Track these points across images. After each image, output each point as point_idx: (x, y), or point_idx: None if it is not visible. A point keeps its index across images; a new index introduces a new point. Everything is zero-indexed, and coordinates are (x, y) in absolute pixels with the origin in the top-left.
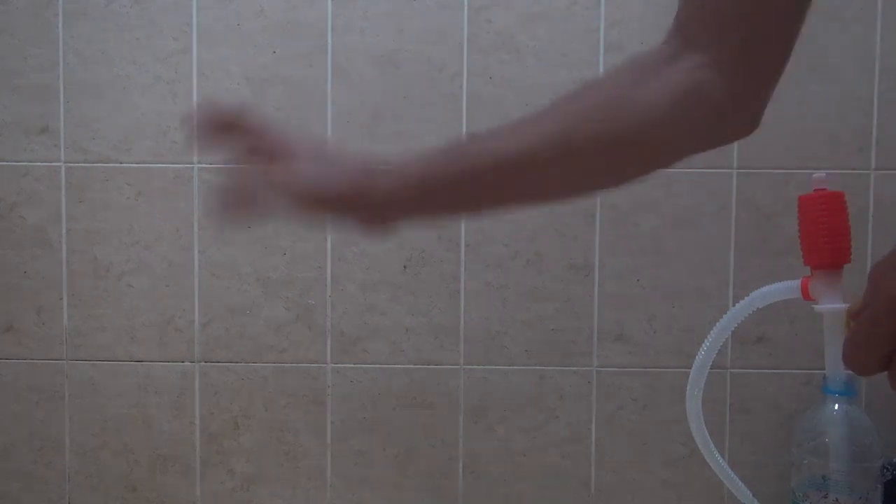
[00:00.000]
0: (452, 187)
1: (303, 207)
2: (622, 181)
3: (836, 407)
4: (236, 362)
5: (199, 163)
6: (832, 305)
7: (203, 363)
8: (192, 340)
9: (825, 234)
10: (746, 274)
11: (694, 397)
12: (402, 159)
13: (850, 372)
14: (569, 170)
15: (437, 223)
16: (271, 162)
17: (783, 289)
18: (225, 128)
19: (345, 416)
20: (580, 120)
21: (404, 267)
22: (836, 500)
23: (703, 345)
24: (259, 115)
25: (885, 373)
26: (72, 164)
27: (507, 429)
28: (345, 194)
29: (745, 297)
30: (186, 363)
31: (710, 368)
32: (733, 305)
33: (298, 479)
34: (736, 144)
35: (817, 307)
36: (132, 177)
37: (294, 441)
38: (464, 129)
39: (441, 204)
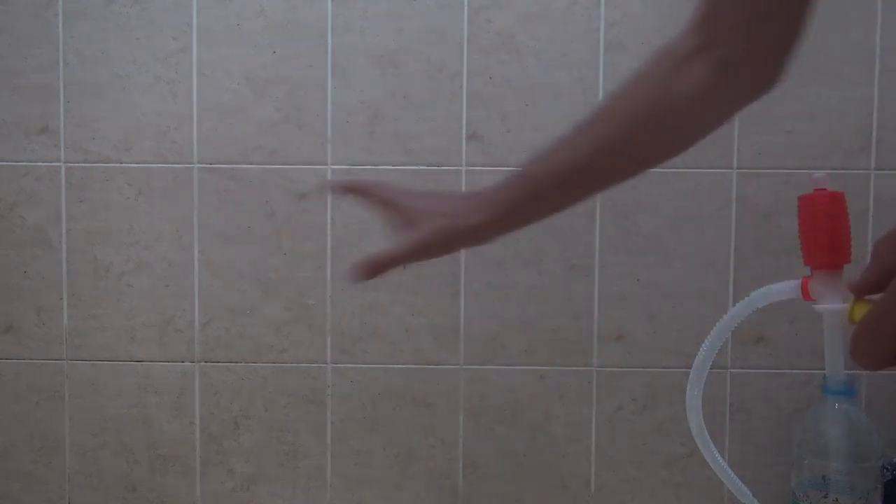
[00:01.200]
0: (529, 206)
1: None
2: (665, 159)
3: (836, 407)
4: (236, 362)
5: (199, 163)
6: (832, 305)
7: (203, 363)
8: (192, 340)
9: (825, 234)
10: (746, 274)
11: (694, 397)
12: (482, 193)
13: (851, 372)
14: (619, 166)
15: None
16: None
17: (783, 289)
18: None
19: (345, 415)
20: (630, 125)
21: (404, 267)
22: (836, 500)
23: (703, 345)
24: (384, 185)
25: (884, 372)
26: (72, 164)
27: (507, 429)
28: (450, 238)
29: (745, 297)
30: (186, 363)
31: (710, 368)
32: (733, 305)
33: (298, 479)
34: (736, 144)
35: (817, 307)
36: (132, 177)
37: (294, 441)
38: (464, 129)
39: (521, 221)
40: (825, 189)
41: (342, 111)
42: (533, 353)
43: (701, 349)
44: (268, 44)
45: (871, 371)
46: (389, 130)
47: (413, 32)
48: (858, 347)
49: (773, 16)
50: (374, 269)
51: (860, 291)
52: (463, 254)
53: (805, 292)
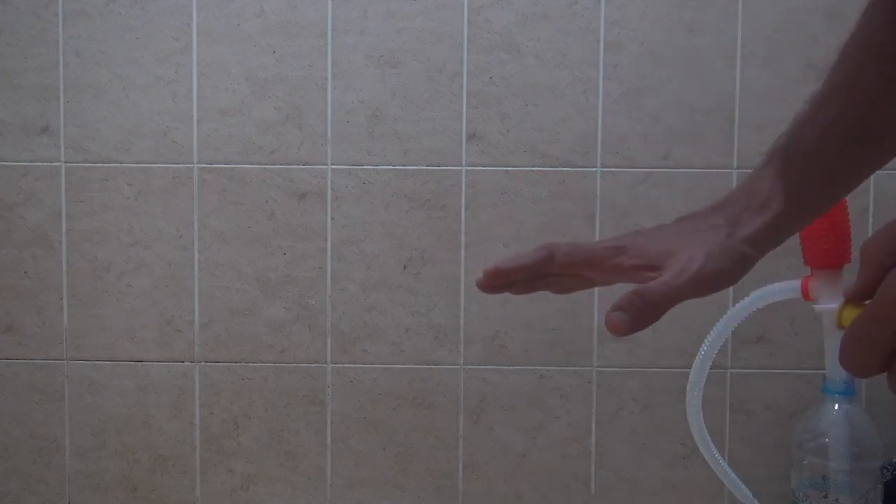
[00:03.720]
0: (805, 196)
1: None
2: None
3: (836, 407)
4: (236, 362)
5: (199, 163)
6: (832, 305)
7: (203, 363)
8: (192, 340)
9: (825, 234)
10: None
11: (694, 397)
12: (740, 202)
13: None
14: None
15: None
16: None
17: (783, 289)
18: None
19: (345, 416)
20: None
21: (404, 267)
22: (836, 500)
23: (703, 345)
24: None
25: (884, 374)
26: (72, 164)
27: (507, 429)
28: (731, 270)
29: (745, 297)
30: (186, 363)
31: (710, 368)
32: (733, 305)
33: (298, 479)
34: (736, 144)
35: (817, 307)
36: (132, 177)
37: (294, 441)
38: (464, 129)
39: (809, 212)
40: None
41: (342, 111)
42: (533, 353)
43: (701, 349)
44: (268, 44)
45: (861, 378)
46: (389, 130)
47: (413, 32)
48: (848, 352)
49: None
50: (651, 306)
51: (856, 300)
52: (463, 253)
53: (805, 292)
